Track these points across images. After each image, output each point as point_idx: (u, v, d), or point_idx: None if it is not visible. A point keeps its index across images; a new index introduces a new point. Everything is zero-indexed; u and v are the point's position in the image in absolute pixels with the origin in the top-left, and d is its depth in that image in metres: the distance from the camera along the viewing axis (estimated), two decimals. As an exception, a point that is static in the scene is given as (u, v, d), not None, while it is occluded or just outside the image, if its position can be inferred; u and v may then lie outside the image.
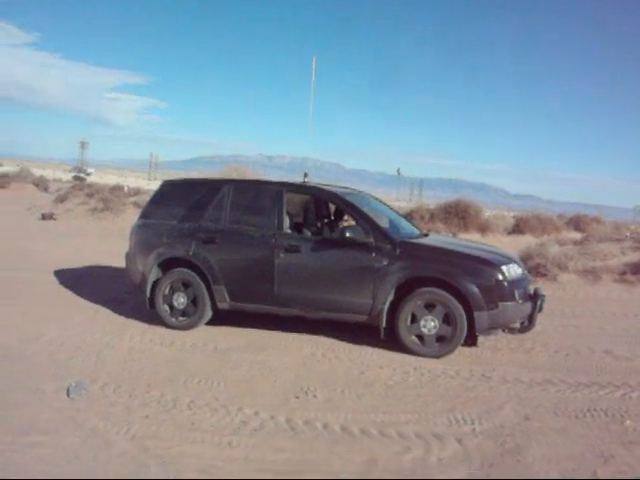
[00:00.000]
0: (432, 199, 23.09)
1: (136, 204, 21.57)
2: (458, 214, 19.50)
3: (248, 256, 7.45)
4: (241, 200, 7.71)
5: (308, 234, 7.73)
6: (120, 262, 8.85)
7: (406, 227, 8.32)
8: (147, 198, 19.94)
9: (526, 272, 7.53)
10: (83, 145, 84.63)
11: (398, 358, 6.49)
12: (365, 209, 7.47)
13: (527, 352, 6.87)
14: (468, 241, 9.42)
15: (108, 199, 22.96)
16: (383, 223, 7.57)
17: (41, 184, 39.77)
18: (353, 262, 6.99)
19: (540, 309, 6.99)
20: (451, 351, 6.66)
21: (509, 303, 6.63)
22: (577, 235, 17.77)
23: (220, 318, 7.64)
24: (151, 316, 7.73)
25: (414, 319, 6.76)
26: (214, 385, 5.52)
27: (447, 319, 6.65)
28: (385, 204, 8.97)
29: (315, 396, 5.31)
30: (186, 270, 7.60)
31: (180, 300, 7.62)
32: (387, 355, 6.58)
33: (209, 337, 7.11)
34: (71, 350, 6.42)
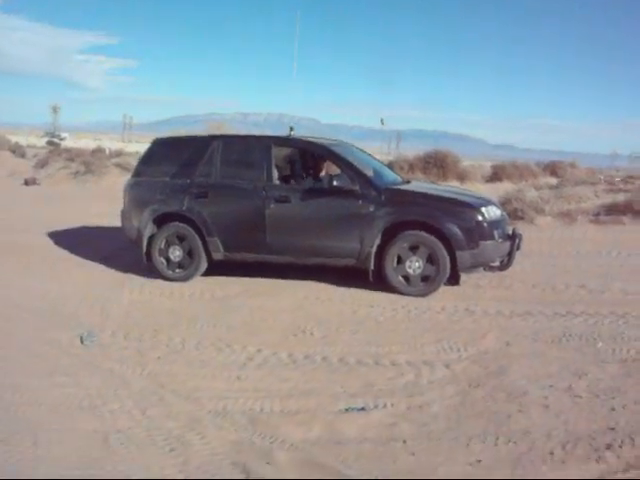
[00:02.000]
0: (411, 151, 23.35)
1: (119, 165, 21.73)
2: (437, 164, 19.87)
3: (240, 208, 7.78)
4: (231, 155, 7.98)
5: (297, 185, 8.02)
6: (110, 222, 9.16)
7: (389, 175, 8.66)
8: (130, 160, 19.66)
9: (504, 213, 7.94)
10: (55, 109, 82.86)
11: (386, 298, 6.88)
12: (350, 159, 7.80)
13: (507, 288, 7.28)
14: (449, 187, 9.78)
15: (90, 162, 22.97)
16: (368, 172, 7.87)
17: (17, 150, 39.35)
18: (341, 209, 7.35)
19: (518, 248, 7.41)
20: (435, 289, 7.07)
21: (489, 242, 7.05)
22: (554, 181, 18.18)
23: (214, 269, 7.96)
24: (148, 269, 8.04)
25: (400, 260, 7.14)
26: (217, 328, 5.90)
27: (431, 259, 7.05)
28: (368, 154, 9.30)
29: (312, 334, 5.70)
30: (181, 224, 7.89)
31: (176, 253, 7.93)
32: (376, 296, 6.97)
33: (206, 287, 7.44)
34: (76, 304, 6.77)
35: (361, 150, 9.28)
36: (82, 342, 5.50)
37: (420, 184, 9.52)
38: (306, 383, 4.58)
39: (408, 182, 8.66)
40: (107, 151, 27.34)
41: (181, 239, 7.95)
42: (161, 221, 8.06)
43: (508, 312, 6.25)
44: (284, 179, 8.15)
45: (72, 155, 25.50)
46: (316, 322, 6.03)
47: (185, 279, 7.86)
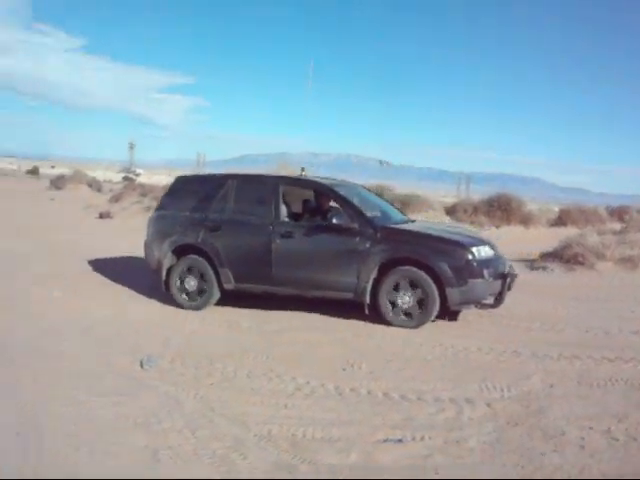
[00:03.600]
0: (480, 194, 23.29)
1: None
2: (501, 207, 19.82)
3: (249, 242, 8.30)
4: (243, 193, 8.56)
5: (302, 221, 8.51)
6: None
7: (394, 214, 9.16)
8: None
9: (500, 253, 8.18)
10: (131, 146, 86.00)
11: (435, 338, 7.01)
12: (351, 198, 8.26)
13: (559, 332, 7.30)
14: (450, 226, 10.01)
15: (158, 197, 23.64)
16: (372, 211, 8.41)
17: (94, 185, 41.16)
18: (340, 245, 7.85)
19: (509, 287, 7.65)
20: (425, 322, 7.45)
21: (478, 280, 7.35)
22: (620, 226, 17.89)
23: (268, 303, 8.33)
24: (165, 297, 8.66)
25: (393, 294, 7.50)
26: (268, 359, 6.14)
27: (421, 295, 7.39)
28: (375, 194, 10.11)
29: (360, 368, 5.88)
30: (196, 256, 8.47)
31: (191, 283, 8.50)
32: (425, 335, 7.10)
33: (261, 320, 7.75)
34: (140, 330, 7.17)
35: (369, 190, 10.00)
36: (142, 366, 5.83)
37: (421, 224, 9.78)
38: (349, 414, 4.76)
39: (412, 221, 9.17)
40: None
41: (196, 270, 8.48)
42: (179, 252, 8.64)
43: (556, 355, 6.28)
44: (293, 216, 8.64)
45: (145, 190, 26.56)
46: (364, 357, 6.20)
47: (198, 308, 8.42)
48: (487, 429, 4.46)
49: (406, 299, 7.48)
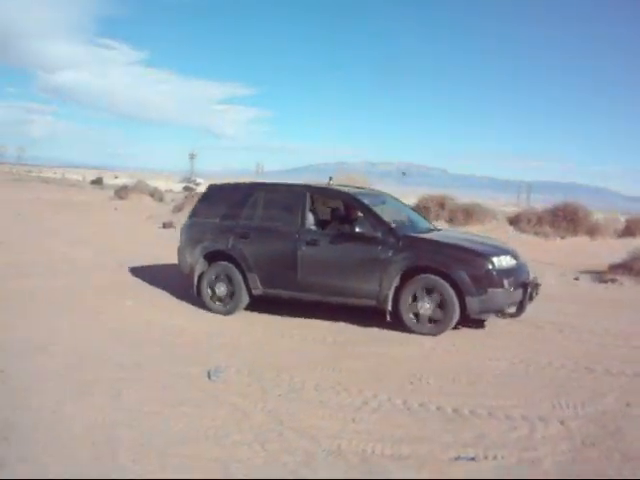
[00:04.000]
0: (541, 203, 22.83)
1: None
2: (566, 217, 19.33)
3: (276, 249, 8.51)
4: (271, 201, 8.82)
5: (328, 229, 8.63)
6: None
7: (420, 222, 9.36)
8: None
9: (523, 263, 8.23)
10: (192, 157, 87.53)
11: (509, 352, 6.88)
12: (378, 207, 8.42)
13: (635, 348, 7.09)
14: (476, 235, 9.86)
15: None
16: (398, 219, 8.63)
17: (156, 195, 41.86)
18: (363, 254, 8.03)
19: (531, 297, 7.69)
20: (444, 330, 7.59)
21: (498, 290, 7.46)
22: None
23: (339, 314, 8.33)
24: (196, 302, 8.95)
25: (414, 301, 7.61)
26: (335, 372, 6.12)
27: (441, 303, 7.46)
28: (403, 203, 10.16)
29: (429, 383, 5.81)
30: (225, 263, 8.84)
31: (221, 288, 8.78)
32: (496, 350, 6.99)
33: (328, 332, 7.75)
34: (207, 341, 7.30)
35: (397, 199, 10.05)
36: (209, 377, 5.90)
37: (446, 232, 9.94)
38: (419, 430, 4.69)
39: (438, 230, 9.35)
40: None
41: (226, 275, 8.74)
42: (210, 258, 8.92)
43: (632, 372, 6.08)
44: (320, 224, 8.77)
45: None
46: (434, 372, 6.12)
47: (228, 312, 8.68)
48: (562, 449, 4.33)
49: (426, 306, 7.62)
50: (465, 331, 7.80)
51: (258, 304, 8.78)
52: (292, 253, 8.35)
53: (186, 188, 63.08)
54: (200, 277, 8.99)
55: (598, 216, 21.63)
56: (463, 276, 7.47)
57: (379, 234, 7.96)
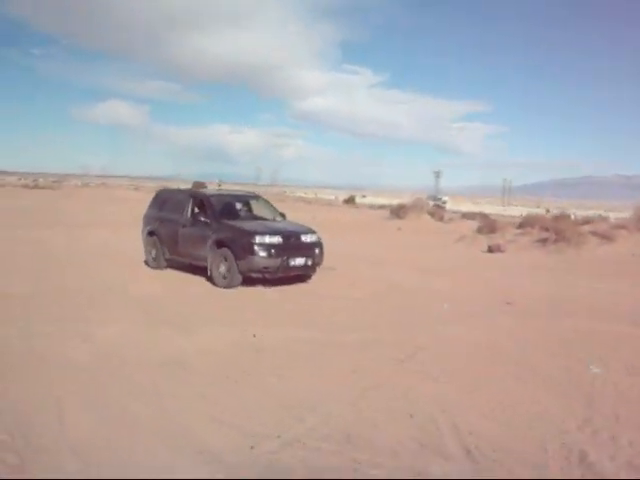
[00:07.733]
0: None
1: (594, 233, 19.77)
2: None
3: (172, 230, 12.82)
4: (174, 200, 13.47)
5: (194, 218, 12.69)
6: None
7: (269, 215, 13.44)
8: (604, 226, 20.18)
9: (283, 240, 11.43)
10: (437, 174, 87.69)
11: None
12: (215, 203, 12.63)
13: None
14: (284, 223, 13.29)
15: (559, 228, 20.15)
16: (247, 214, 13.30)
17: (436, 214, 37.10)
18: (201, 232, 11.98)
19: (287, 265, 11.26)
20: (233, 285, 11.13)
21: (254, 257, 11.01)
22: None
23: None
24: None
25: (218, 264, 11.41)
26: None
27: (229, 265, 11.20)
28: (267, 201, 14.28)
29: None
30: (155, 237, 13.36)
31: (152, 253, 13.46)
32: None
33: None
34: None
35: (265, 200, 14.28)
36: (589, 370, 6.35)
37: (265, 222, 13.02)
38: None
39: (279, 221, 13.18)
40: (572, 216, 24.33)
41: (154, 245, 13.48)
42: (149, 234, 13.66)
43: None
44: (194, 214, 12.83)
45: (528, 221, 23.44)
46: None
47: (157, 268, 13.27)
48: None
49: (222, 267, 11.22)
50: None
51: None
52: (176, 233, 12.45)
53: (434, 206, 55.44)
54: (145, 246, 13.55)
55: None
56: (236, 247, 10.94)
57: (209, 220, 11.80)
